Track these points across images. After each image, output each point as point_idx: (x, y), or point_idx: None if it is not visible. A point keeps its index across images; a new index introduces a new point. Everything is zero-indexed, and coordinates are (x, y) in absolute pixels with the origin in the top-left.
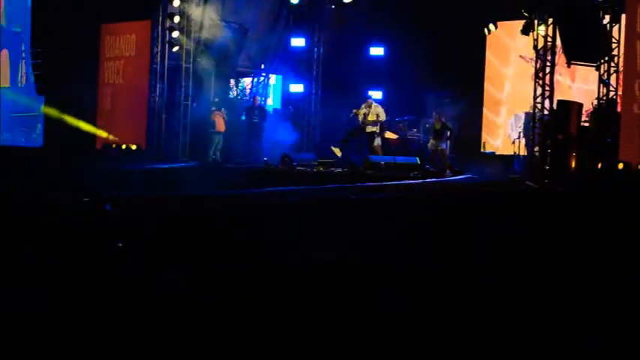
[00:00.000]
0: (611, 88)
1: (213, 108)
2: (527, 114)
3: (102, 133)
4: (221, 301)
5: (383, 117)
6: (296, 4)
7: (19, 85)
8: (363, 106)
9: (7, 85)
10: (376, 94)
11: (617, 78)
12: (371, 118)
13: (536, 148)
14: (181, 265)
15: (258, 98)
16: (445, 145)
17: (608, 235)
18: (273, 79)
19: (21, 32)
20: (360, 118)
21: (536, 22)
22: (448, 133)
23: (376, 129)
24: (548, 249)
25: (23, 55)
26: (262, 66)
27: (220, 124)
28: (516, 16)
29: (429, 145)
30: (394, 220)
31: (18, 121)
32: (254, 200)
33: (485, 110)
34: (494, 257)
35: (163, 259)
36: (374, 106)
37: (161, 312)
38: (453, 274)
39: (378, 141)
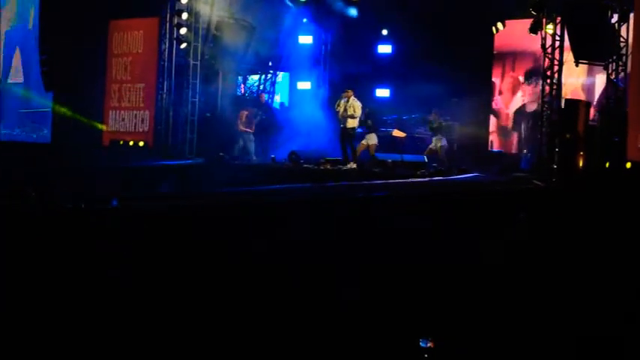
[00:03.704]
0: (619, 87)
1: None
2: (535, 112)
3: (108, 129)
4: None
5: (359, 112)
6: (304, 2)
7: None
8: (342, 95)
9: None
10: (384, 92)
11: (626, 77)
12: (350, 111)
13: (544, 147)
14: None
15: (265, 96)
16: (445, 142)
17: (616, 233)
18: (280, 76)
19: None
20: (341, 111)
21: (544, 20)
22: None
23: (355, 124)
24: (556, 248)
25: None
26: (270, 63)
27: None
28: (525, 15)
29: (431, 145)
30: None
31: (29, 117)
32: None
33: (492, 109)
34: (502, 257)
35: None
36: (352, 98)
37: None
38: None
39: (373, 139)
